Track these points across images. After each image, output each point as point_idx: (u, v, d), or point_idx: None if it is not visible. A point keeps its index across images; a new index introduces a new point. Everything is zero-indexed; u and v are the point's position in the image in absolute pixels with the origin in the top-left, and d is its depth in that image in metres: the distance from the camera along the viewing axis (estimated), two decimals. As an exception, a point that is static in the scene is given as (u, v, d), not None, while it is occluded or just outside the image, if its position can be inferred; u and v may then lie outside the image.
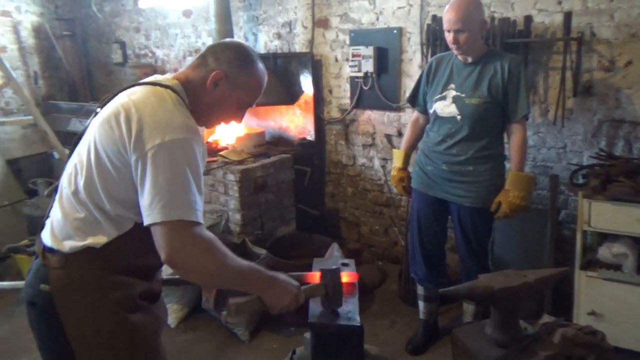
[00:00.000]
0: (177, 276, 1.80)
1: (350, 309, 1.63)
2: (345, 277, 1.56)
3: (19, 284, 1.48)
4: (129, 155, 1.21)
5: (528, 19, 2.78)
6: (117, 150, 1.22)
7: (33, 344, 1.39)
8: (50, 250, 1.30)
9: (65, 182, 1.34)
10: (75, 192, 1.28)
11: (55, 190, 1.40)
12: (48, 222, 1.36)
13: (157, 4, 4.83)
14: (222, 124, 1.53)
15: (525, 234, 2.90)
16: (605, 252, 2.36)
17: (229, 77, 1.36)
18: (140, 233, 1.27)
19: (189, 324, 3.03)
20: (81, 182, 1.27)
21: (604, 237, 2.43)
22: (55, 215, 1.33)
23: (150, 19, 4.93)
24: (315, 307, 1.64)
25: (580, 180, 2.56)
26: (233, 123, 1.54)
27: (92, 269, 1.27)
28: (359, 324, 1.55)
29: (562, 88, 2.71)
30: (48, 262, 1.29)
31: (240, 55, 1.38)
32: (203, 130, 3.84)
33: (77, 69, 5.40)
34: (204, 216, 1.26)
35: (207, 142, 3.75)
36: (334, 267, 1.53)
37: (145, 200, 1.18)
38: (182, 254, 1.16)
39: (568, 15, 2.64)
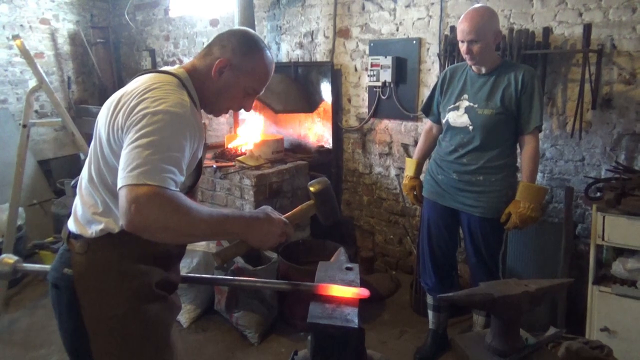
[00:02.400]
0: (196, 274, 1.86)
1: (349, 312, 1.65)
2: (352, 292, 1.55)
3: (45, 267, 1.56)
4: (123, 131, 1.20)
5: (547, 30, 2.76)
6: (114, 128, 1.24)
7: (53, 336, 1.44)
8: (75, 236, 1.37)
9: (83, 173, 1.41)
10: (90, 180, 1.35)
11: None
12: (72, 212, 1.43)
13: (187, 13, 4.99)
14: (231, 111, 1.52)
15: (540, 247, 2.85)
16: (619, 268, 2.30)
17: (233, 64, 1.36)
18: None
19: (201, 325, 3.08)
20: (93, 169, 1.34)
21: (620, 252, 2.37)
22: (77, 204, 1.41)
23: (179, 28, 5.09)
24: (315, 307, 1.67)
25: (597, 194, 2.51)
26: (243, 112, 1.57)
27: (112, 255, 1.33)
28: (356, 326, 1.56)
29: (580, 100, 2.68)
30: (72, 247, 1.36)
31: (246, 42, 1.39)
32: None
33: (108, 74, 5.61)
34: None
35: (227, 148, 3.84)
36: (320, 178, 1.49)
37: (120, 164, 1.14)
38: (140, 214, 1.08)
39: (588, 27, 2.62)
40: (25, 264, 1.71)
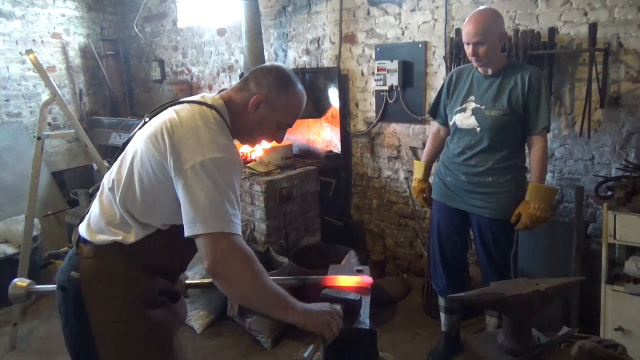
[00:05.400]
0: (200, 281, 1.89)
1: (361, 314, 1.66)
2: (356, 281, 1.59)
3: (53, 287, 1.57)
4: (170, 168, 1.30)
5: (553, 30, 2.77)
6: (161, 162, 1.32)
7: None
8: (85, 241, 1.41)
9: (106, 182, 1.45)
10: (113, 192, 1.40)
11: (98, 188, 1.52)
12: (87, 216, 1.48)
13: (195, 23, 5.06)
14: (264, 142, 1.62)
15: (551, 248, 2.84)
16: (631, 267, 2.29)
17: (269, 101, 1.44)
18: (162, 238, 1.39)
19: (214, 331, 3.11)
20: (121, 188, 1.38)
21: (632, 251, 2.36)
22: (94, 210, 1.45)
23: (187, 38, 5.17)
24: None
25: (607, 193, 2.50)
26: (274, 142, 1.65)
27: (119, 262, 1.37)
28: (368, 327, 1.58)
29: (588, 100, 2.67)
30: (81, 251, 1.40)
31: (280, 79, 1.46)
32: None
33: (119, 86, 5.70)
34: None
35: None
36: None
37: (187, 213, 1.27)
38: (224, 263, 1.24)
39: (594, 27, 2.62)
40: (38, 286, 1.73)
